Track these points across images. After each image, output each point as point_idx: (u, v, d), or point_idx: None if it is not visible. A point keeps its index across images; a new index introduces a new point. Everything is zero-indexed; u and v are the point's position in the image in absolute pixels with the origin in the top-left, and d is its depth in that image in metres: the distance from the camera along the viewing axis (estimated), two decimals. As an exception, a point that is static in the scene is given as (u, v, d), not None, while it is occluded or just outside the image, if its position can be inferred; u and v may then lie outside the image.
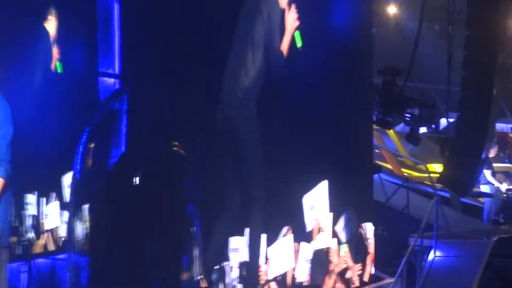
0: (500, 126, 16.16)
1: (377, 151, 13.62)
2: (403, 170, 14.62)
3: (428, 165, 13.33)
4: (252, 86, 6.17)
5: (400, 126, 14.47)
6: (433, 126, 12.84)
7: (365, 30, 9.58)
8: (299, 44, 6.26)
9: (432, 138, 15.44)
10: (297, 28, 6.29)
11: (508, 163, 15.83)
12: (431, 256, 10.97)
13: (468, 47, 11.69)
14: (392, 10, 18.00)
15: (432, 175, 12.62)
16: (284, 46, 6.22)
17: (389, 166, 14.39)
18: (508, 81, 16.89)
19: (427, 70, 15.77)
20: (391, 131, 14.49)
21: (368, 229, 8.36)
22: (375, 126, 11.68)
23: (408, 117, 12.23)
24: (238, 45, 6.25)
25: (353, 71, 9.01)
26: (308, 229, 7.19)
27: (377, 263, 9.26)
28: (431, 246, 11.01)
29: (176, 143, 5.77)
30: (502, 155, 15.58)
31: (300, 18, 6.63)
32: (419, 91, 13.51)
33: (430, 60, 15.82)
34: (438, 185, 12.45)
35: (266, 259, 6.67)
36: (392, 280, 9.46)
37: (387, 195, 12.44)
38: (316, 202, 7.28)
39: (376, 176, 11.24)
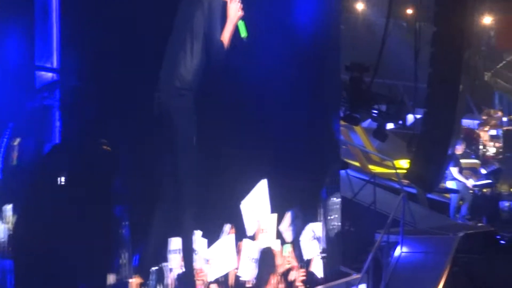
0: (466, 122, 16.23)
1: (344, 147, 13.60)
2: (370, 166, 14.64)
3: (395, 161, 13.35)
4: (190, 76, 6.13)
5: (367, 122, 14.50)
6: (400, 122, 12.85)
7: (333, 27, 9.57)
8: (243, 34, 6.19)
9: (399, 134, 15.46)
10: (242, 18, 6.23)
11: (475, 159, 15.92)
12: (397, 252, 10.96)
13: (435, 44, 11.76)
14: (360, 6, 18.04)
15: (399, 171, 12.64)
16: (225, 36, 6.16)
17: (356, 162, 14.39)
18: (474, 78, 17.02)
19: (395, 67, 15.77)
20: (358, 127, 14.49)
21: (317, 228, 8.31)
22: (342, 122, 11.69)
23: (375, 113, 12.26)
24: (177, 34, 6.20)
25: (320, 67, 8.99)
26: (250, 232, 7.10)
27: (343, 259, 9.24)
28: (398, 242, 11.00)
29: (105, 141, 5.62)
30: (468, 151, 15.66)
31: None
32: (387, 87, 13.51)
33: (398, 56, 15.86)
34: (405, 181, 12.49)
35: (207, 260, 6.59)
36: (359, 276, 9.45)
37: (354, 191, 12.41)
38: (257, 203, 7.19)
39: (343, 172, 11.23)
